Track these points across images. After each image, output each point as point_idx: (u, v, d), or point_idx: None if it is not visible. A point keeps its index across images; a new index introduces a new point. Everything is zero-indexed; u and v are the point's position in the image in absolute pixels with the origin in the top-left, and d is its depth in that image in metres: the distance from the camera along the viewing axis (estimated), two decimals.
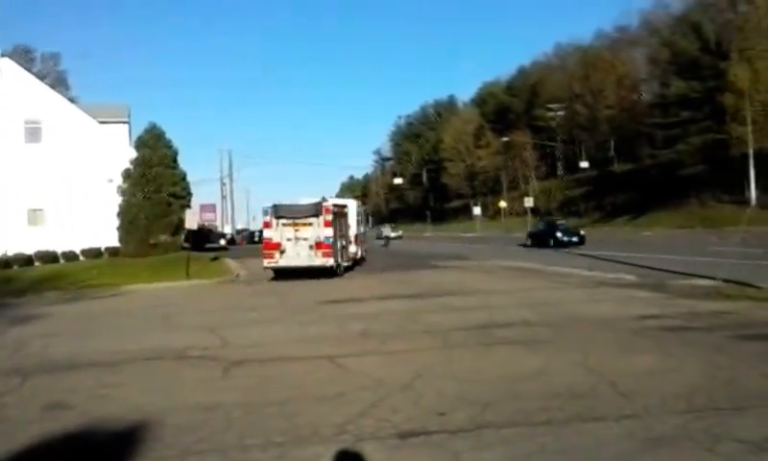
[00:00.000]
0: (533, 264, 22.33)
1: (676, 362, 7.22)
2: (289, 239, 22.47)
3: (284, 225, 22.55)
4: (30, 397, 6.99)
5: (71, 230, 35.35)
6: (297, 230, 22.50)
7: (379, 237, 51.98)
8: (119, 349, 9.66)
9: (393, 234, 48.99)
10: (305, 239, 22.36)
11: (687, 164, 58.98)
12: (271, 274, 22.55)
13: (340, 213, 24.20)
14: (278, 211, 22.66)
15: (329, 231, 22.48)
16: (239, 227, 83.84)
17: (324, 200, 23.37)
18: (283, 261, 22.47)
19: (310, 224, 22.52)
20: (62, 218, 35.91)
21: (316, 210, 22.49)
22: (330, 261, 22.30)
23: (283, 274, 22.56)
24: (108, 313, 15.13)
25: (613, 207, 68.52)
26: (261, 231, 28.70)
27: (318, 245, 22.30)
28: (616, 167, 77.35)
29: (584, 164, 75.35)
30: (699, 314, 10.47)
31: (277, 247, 22.51)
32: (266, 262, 22.72)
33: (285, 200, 23.65)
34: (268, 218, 22.88)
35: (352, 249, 25.91)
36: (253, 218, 63.74)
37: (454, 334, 9.52)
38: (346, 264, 23.99)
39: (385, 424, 5.39)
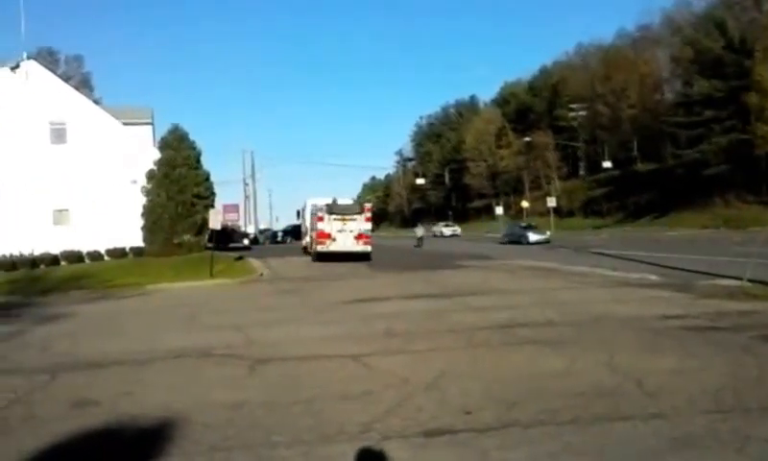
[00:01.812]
0: (555, 264, 22.21)
1: (702, 362, 7.15)
2: (339, 230, 29.53)
3: (335, 220, 29.56)
4: (58, 394, 7.07)
5: (96, 231, 35.76)
6: (344, 224, 29.62)
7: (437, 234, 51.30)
8: (145, 347, 9.75)
9: (448, 232, 47.52)
10: (351, 231, 29.65)
11: (711, 164, 58.21)
12: (291, 270, 24.49)
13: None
14: (331, 209, 29.71)
15: (369, 225, 30.47)
16: (262, 226, 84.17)
17: (358, 201, 31.97)
18: (333, 247, 29.47)
19: (354, 219, 29.89)
20: (87, 218, 36.34)
21: (360, 209, 30.47)
22: (369, 248, 29.96)
23: (330, 257, 29.05)
24: (134, 312, 15.26)
25: (636, 207, 67.90)
26: (298, 227, 37.02)
27: (360, 236, 29.81)
28: (639, 167, 76.57)
29: (606, 164, 74.68)
30: (724, 314, 10.36)
31: (329, 236, 29.58)
32: (319, 247, 29.67)
33: (305, 200, 31.82)
34: (321, 214, 29.77)
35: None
36: (276, 218, 63.98)
37: (478, 333, 9.50)
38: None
39: (411, 422, 5.40)
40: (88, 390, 7.09)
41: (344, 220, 29.70)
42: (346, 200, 30.83)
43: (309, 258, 31.27)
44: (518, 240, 45.84)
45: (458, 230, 50.31)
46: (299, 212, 44.95)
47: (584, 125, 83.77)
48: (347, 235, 29.67)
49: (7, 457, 5.01)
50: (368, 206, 31.34)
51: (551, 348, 8.27)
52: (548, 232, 49.62)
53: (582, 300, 13.05)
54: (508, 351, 8.30)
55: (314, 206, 32.20)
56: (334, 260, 28.58)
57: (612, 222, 67.88)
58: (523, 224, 54.11)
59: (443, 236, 73.14)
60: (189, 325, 12.28)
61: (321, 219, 30.05)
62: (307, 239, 36.01)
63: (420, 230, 47.99)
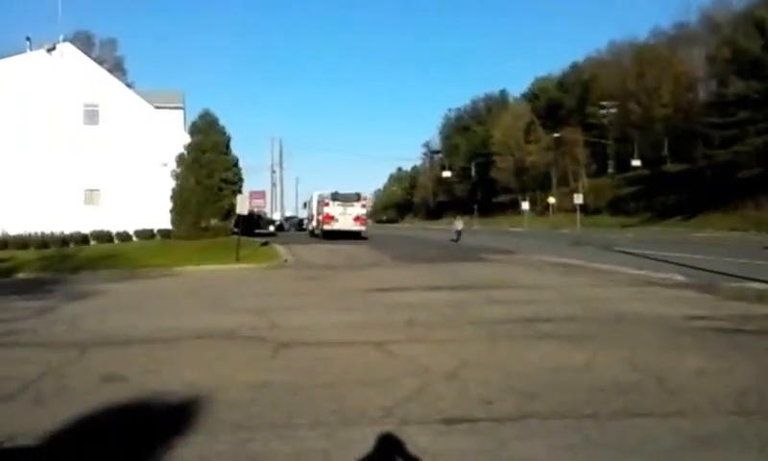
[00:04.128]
0: (580, 261, 22.05)
1: (726, 363, 7.10)
2: (341, 214, 39.61)
3: (338, 205, 39.74)
4: (87, 369, 7.24)
5: (125, 211, 36.25)
6: (345, 209, 39.72)
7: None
8: (171, 326, 9.91)
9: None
10: (350, 214, 39.71)
11: (744, 166, 57.33)
12: (316, 257, 24.87)
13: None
14: (335, 197, 40.11)
15: (364, 211, 41.34)
16: (288, 214, 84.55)
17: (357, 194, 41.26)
18: (336, 226, 39.28)
19: (352, 205, 40.11)
20: (117, 199, 36.83)
21: (357, 198, 40.85)
22: (364, 228, 40.62)
23: (334, 234, 38.49)
24: (161, 293, 15.49)
25: (665, 207, 67.05)
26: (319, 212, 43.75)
27: (357, 218, 40.11)
28: (669, 167, 75.64)
29: (635, 163, 73.90)
30: (751, 317, 10.24)
31: (333, 218, 39.56)
32: (325, 227, 39.55)
33: (327, 189, 41.53)
34: (327, 200, 40.30)
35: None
36: (303, 205, 63.96)
37: (500, 326, 9.51)
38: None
39: (431, 409, 5.45)
40: (116, 366, 7.24)
41: (344, 206, 39.81)
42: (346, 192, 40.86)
43: (334, 246, 31.55)
44: None
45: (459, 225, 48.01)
46: (305, 203, 57.65)
47: (614, 123, 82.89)
48: (346, 218, 39.58)
49: (41, 425, 5.16)
50: (363, 195, 42.35)
51: (573, 343, 8.27)
52: None
53: (606, 297, 12.98)
54: (530, 344, 8.32)
55: (320, 195, 43.43)
56: (337, 238, 37.62)
57: (638, 221, 67.10)
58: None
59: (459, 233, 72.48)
60: (214, 307, 12.44)
61: (327, 204, 40.19)
62: (313, 223, 47.20)
63: (459, 223, 44.77)
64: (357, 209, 40.40)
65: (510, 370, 6.84)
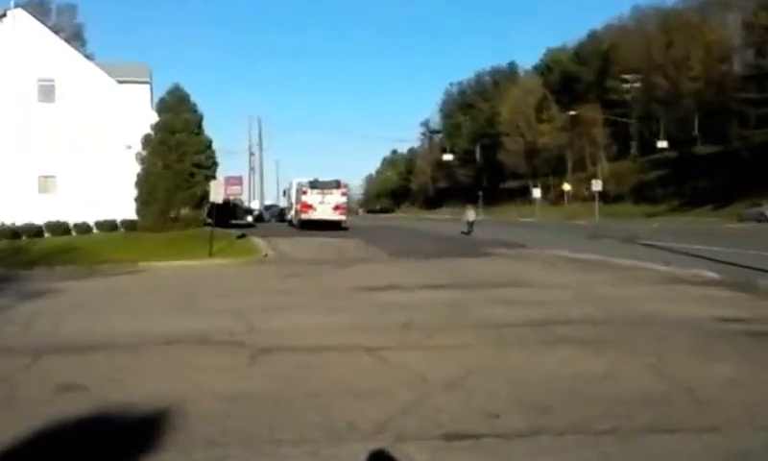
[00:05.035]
0: (599, 256, 22.09)
1: (762, 371, 7.12)
2: (319, 202, 41.27)
3: (316, 193, 41.41)
4: (41, 377, 7.21)
5: (85, 200, 36.08)
6: (323, 197, 41.37)
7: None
8: (136, 330, 9.89)
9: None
10: (329, 203, 41.38)
11: None
12: (301, 252, 25.32)
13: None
14: (313, 185, 41.77)
15: (344, 199, 43.45)
16: (268, 202, 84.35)
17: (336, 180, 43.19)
18: (314, 215, 40.82)
19: (331, 193, 41.67)
20: (75, 186, 36.66)
21: (337, 185, 42.47)
22: (344, 217, 42.24)
23: (312, 224, 39.71)
24: (125, 291, 15.46)
25: (694, 194, 67.23)
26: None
27: (336, 207, 41.74)
28: (700, 149, 75.89)
29: (662, 144, 74.10)
30: None
31: (311, 207, 41.16)
32: (303, 216, 41.35)
33: (312, 175, 43.03)
34: (305, 188, 41.86)
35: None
36: (283, 193, 63.95)
37: (509, 330, 9.52)
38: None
39: (429, 423, 5.45)
40: (75, 374, 7.22)
41: (323, 194, 41.55)
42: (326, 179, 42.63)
43: (320, 239, 31.53)
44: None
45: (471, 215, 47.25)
46: (284, 191, 59.55)
47: (637, 99, 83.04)
48: (325, 206, 41.33)
49: None
50: (343, 183, 44.39)
51: (591, 348, 8.28)
52: None
53: (628, 296, 13.01)
54: (542, 350, 8.32)
55: (299, 183, 44.60)
56: (315, 228, 38.45)
57: (665, 210, 67.33)
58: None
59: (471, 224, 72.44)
60: (185, 308, 12.42)
61: (305, 192, 41.94)
62: (292, 212, 48.70)
63: (470, 213, 43.49)
64: (337, 198, 42.28)
65: (519, 379, 6.84)
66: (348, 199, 45.62)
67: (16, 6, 38.60)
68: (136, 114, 37.15)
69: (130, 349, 8.61)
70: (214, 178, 31.43)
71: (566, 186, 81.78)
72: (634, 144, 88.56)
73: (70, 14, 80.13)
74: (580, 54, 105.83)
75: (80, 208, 35.84)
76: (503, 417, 5.61)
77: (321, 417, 5.61)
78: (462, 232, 40.01)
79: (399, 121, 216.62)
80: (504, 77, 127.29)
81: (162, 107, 35.91)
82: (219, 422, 5.52)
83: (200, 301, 13.35)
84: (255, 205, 71.64)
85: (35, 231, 33.59)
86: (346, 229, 40.86)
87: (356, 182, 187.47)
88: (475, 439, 5.10)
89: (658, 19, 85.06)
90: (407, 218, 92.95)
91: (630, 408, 5.81)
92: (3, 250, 25.81)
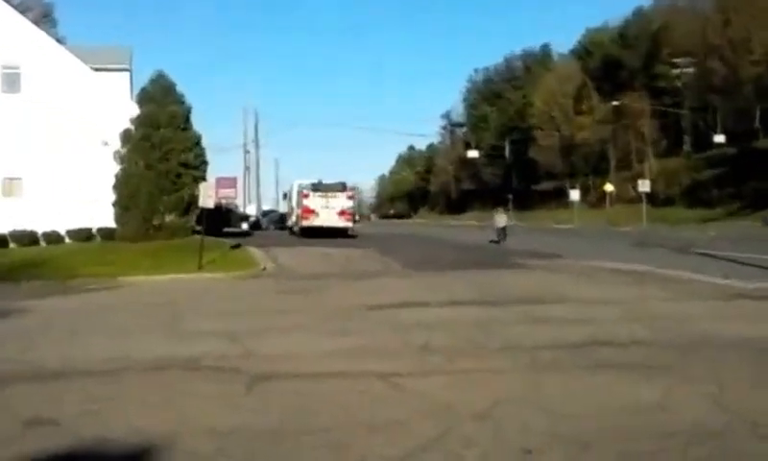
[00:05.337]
0: (647, 267, 22.03)
1: None
2: (323, 207, 42.04)
3: (319, 196, 42.30)
4: (7, 409, 7.23)
5: (55, 206, 36.17)
6: (327, 201, 42.30)
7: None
8: (115, 355, 9.90)
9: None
10: (333, 207, 42.32)
11: None
12: (304, 264, 25.39)
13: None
14: (316, 187, 42.78)
15: (351, 203, 44.78)
16: (266, 208, 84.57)
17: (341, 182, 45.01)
18: (317, 221, 41.86)
19: (336, 196, 42.73)
20: (45, 190, 36.77)
21: (342, 187, 43.70)
22: (350, 224, 43.43)
23: (314, 231, 40.72)
24: (102, 310, 15.48)
25: (757, 196, 66.77)
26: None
27: (342, 212, 42.83)
28: (762, 143, 75.52)
29: (718, 138, 73.76)
30: None
31: (313, 212, 42.03)
32: (303, 222, 42.46)
33: (317, 175, 44.51)
34: (306, 191, 42.82)
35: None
36: (284, 196, 64.08)
37: (543, 353, 9.50)
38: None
39: None
40: (45, 406, 7.25)
41: (327, 197, 42.54)
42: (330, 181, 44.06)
43: (326, 249, 31.57)
44: None
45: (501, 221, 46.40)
46: (285, 194, 60.62)
47: (690, 86, 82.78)
48: (329, 211, 42.29)
49: None
50: (350, 185, 45.98)
51: (639, 374, 8.25)
52: None
53: (682, 314, 12.95)
54: (582, 376, 8.30)
55: (300, 185, 45.79)
56: (318, 236, 39.37)
57: (722, 214, 66.96)
58: None
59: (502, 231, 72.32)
60: (171, 329, 12.43)
61: (306, 196, 42.87)
62: (293, 218, 49.34)
63: (501, 218, 41.73)
64: (342, 202, 43.42)
65: (557, 410, 6.82)
66: (357, 203, 46.98)
67: None
68: (115, 106, 37.24)
69: (108, 376, 8.63)
70: (204, 179, 31.51)
71: (609, 187, 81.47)
72: (686, 138, 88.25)
73: None
74: (624, 35, 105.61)
75: (49, 215, 35.91)
76: (537, 454, 5.59)
77: (328, 455, 5.62)
78: (491, 241, 39.55)
79: (417, 113, 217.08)
80: (537, 62, 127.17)
81: (144, 97, 36.04)
82: None
83: (188, 321, 13.37)
84: (252, 210, 71.86)
85: None
86: (353, 236, 41.91)
87: (367, 184, 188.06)
88: None
89: None
90: (426, 225, 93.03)
91: (684, 443, 5.78)
92: None
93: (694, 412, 6.70)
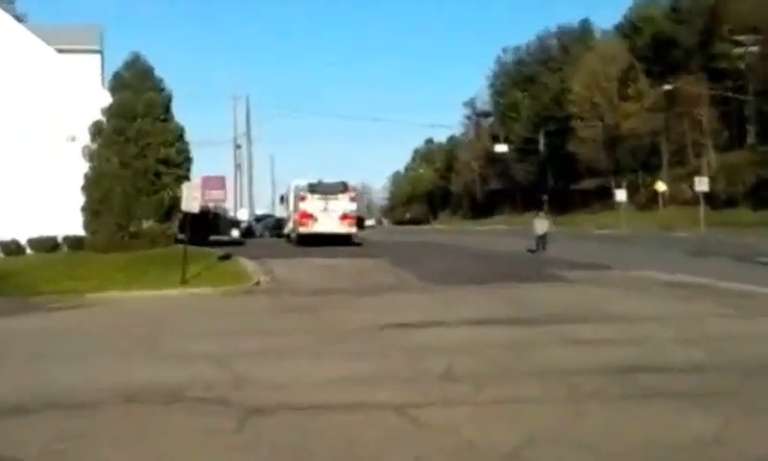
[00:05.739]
0: (706, 279, 21.99)
1: None
2: (322, 210, 42.00)
3: (317, 199, 42.35)
4: None
5: (14, 212, 36.25)
6: (327, 203, 42.32)
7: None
8: (85, 384, 9.95)
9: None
10: (334, 211, 42.32)
11: None
12: (304, 277, 25.85)
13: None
14: (313, 188, 42.82)
15: (354, 205, 44.70)
16: (260, 212, 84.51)
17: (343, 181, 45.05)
18: (315, 228, 41.86)
19: (337, 198, 42.78)
20: (2, 193, 36.87)
21: (343, 188, 43.80)
22: (353, 229, 43.54)
23: (312, 239, 40.82)
24: (69, 332, 15.52)
25: None
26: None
27: (344, 216, 42.73)
28: None
29: None
30: None
31: (311, 216, 42.05)
32: (301, 229, 42.69)
33: (319, 174, 44.16)
34: (303, 193, 42.98)
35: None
36: (281, 199, 64.00)
37: (584, 380, 9.50)
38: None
39: None
40: (4, 444, 7.29)
41: (326, 199, 42.63)
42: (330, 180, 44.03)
43: (330, 260, 31.58)
44: None
45: (541, 227, 46.26)
46: (282, 197, 60.97)
47: (756, 68, 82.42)
48: (329, 216, 42.35)
49: None
50: (351, 185, 46.10)
51: (695, 403, 8.26)
52: None
53: (746, 334, 12.94)
54: (629, 406, 8.31)
55: (297, 186, 46.46)
56: (316, 243, 39.65)
57: None
58: None
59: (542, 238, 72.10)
60: (149, 354, 12.47)
61: (303, 198, 43.10)
62: (290, 225, 49.95)
63: (542, 224, 40.97)
64: (344, 204, 43.45)
65: (600, 447, 6.83)
66: (366, 205, 47.68)
67: None
68: (83, 94, 37.28)
69: (78, 410, 8.66)
70: (188, 179, 31.56)
71: (661, 186, 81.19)
72: (750, 129, 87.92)
73: None
74: (678, 9, 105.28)
75: (7, 222, 36.01)
76: None
77: None
78: (529, 250, 39.29)
79: (436, 100, 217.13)
80: (576, 40, 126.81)
81: (117, 83, 36.09)
82: None
83: (169, 343, 13.42)
84: (244, 214, 71.80)
85: None
86: (357, 244, 42.66)
87: (379, 184, 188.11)
88: None
89: None
90: (447, 231, 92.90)
91: None
92: None
93: (757, 447, 6.71)
